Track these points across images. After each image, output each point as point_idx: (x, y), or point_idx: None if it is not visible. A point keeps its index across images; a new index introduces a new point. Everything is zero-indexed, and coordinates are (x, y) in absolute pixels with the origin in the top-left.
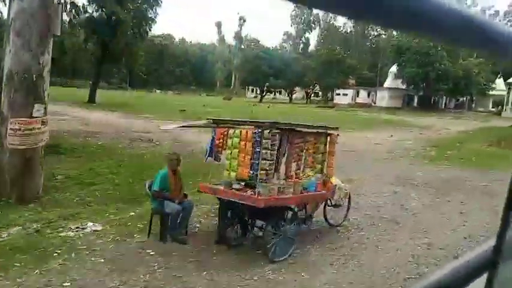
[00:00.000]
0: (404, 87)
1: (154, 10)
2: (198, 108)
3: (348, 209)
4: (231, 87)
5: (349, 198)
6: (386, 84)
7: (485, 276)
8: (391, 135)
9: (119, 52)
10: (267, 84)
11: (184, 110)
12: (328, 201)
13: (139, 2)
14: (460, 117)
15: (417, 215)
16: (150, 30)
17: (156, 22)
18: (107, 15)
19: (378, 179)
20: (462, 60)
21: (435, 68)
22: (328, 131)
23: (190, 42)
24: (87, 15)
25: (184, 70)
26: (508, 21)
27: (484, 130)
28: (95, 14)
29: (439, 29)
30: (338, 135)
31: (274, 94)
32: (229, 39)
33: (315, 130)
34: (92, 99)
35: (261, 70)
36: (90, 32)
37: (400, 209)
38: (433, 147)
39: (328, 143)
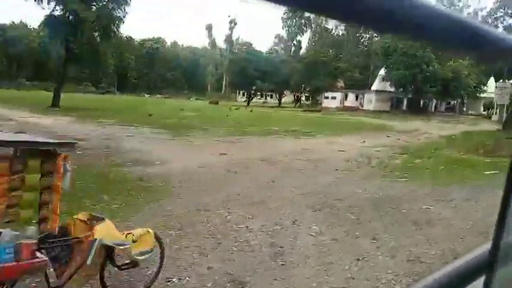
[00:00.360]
0: (392, 89)
1: (123, 9)
2: (173, 112)
3: (159, 268)
4: (222, 91)
5: (162, 250)
6: (374, 86)
7: (482, 279)
8: (364, 141)
9: (83, 53)
10: (254, 87)
11: (151, 115)
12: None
13: (105, 0)
14: (448, 121)
15: (288, 267)
16: (117, 30)
17: (124, 22)
18: (69, 14)
19: (295, 200)
20: (452, 62)
21: (423, 70)
22: (57, 149)
23: (182, 45)
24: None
25: (176, 74)
26: (494, 18)
27: (467, 135)
28: (56, 13)
29: (429, 33)
30: (66, 157)
31: (265, 98)
32: (222, 43)
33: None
34: (55, 104)
35: (247, 73)
36: (52, 31)
37: (270, 256)
38: (403, 154)
39: (51, 172)
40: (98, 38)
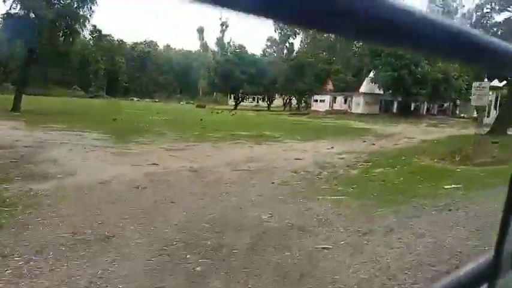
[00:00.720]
0: (381, 92)
1: (88, 8)
2: (144, 117)
3: None
4: (214, 94)
5: None
6: (362, 89)
7: (485, 287)
8: (332, 147)
9: (45, 53)
10: (241, 90)
11: (115, 119)
12: None
13: None
14: (437, 124)
15: None
16: (83, 30)
17: (89, 21)
18: (27, 12)
19: (157, 235)
20: (441, 63)
21: (412, 72)
22: None
23: (175, 49)
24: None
25: (168, 78)
26: (481, 15)
27: (452, 139)
28: (13, 11)
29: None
30: None
31: (257, 101)
32: (214, 46)
33: None
34: (16, 107)
35: (234, 76)
36: (9, 31)
37: None
38: (367, 162)
39: None
40: (62, 38)
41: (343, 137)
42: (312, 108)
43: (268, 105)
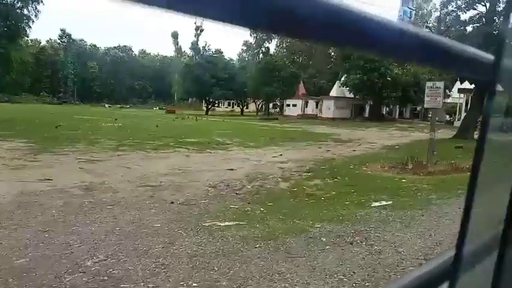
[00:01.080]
0: (352, 96)
1: (33, 7)
2: (98, 123)
3: None
4: (189, 99)
5: None
6: (333, 93)
7: (445, 285)
8: (280, 154)
9: None
10: (211, 95)
11: (58, 126)
12: None
13: None
14: (406, 128)
15: None
16: (26, 31)
17: (34, 21)
18: None
19: None
20: (411, 66)
21: (381, 75)
22: None
23: (150, 54)
24: None
25: (143, 83)
26: (446, 13)
27: (415, 144)
28: None
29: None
30: None
31: (232, 106)
32: (189, 51)
33: None
34: None
35: (203, 80)
36: None
37: None
38: (308, 172)
39: None
40: (5, 39)
41: (298, 143)
42: (285, 113)
43: (241, 110)
